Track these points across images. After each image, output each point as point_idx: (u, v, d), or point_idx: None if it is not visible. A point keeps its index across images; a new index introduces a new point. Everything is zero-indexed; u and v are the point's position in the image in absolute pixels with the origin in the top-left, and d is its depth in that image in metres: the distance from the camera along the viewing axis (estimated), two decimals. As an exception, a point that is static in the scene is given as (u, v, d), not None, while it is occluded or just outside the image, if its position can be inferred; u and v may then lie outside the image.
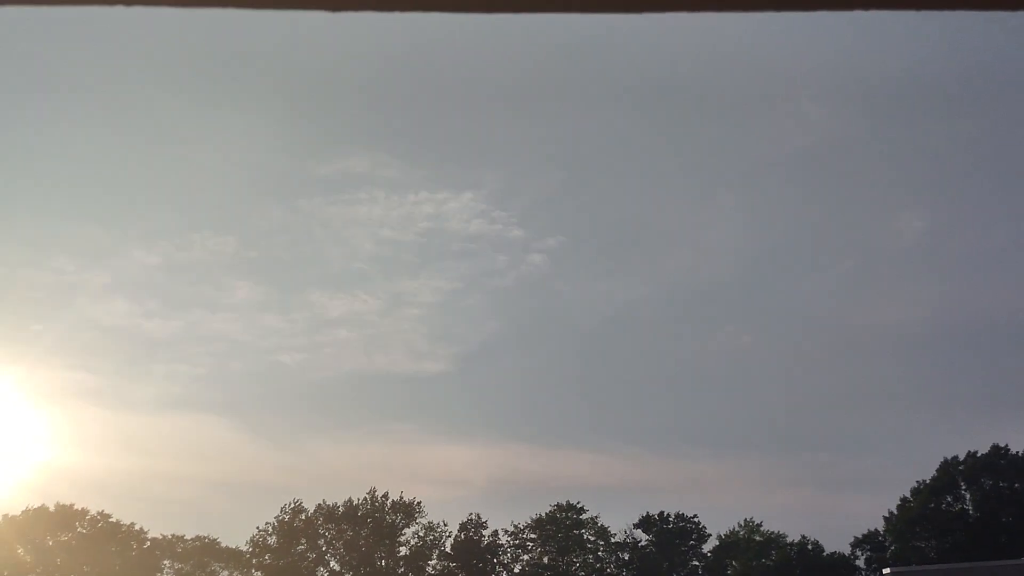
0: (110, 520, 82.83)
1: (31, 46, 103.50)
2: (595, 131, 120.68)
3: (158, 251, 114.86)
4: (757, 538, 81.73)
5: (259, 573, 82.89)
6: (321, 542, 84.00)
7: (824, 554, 78.86)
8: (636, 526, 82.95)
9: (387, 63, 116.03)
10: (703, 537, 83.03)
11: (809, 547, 79.19)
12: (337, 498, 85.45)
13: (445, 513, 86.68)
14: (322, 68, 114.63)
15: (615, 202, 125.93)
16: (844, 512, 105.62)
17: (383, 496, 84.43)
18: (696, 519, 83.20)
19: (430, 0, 1.39)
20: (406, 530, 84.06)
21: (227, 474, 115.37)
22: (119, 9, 1.41)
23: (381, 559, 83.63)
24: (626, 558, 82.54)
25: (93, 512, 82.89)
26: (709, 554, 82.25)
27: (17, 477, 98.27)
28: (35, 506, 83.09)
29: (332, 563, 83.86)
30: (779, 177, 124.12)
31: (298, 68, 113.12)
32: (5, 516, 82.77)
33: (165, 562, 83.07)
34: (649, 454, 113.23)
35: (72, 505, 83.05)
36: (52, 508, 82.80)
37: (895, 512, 77.26)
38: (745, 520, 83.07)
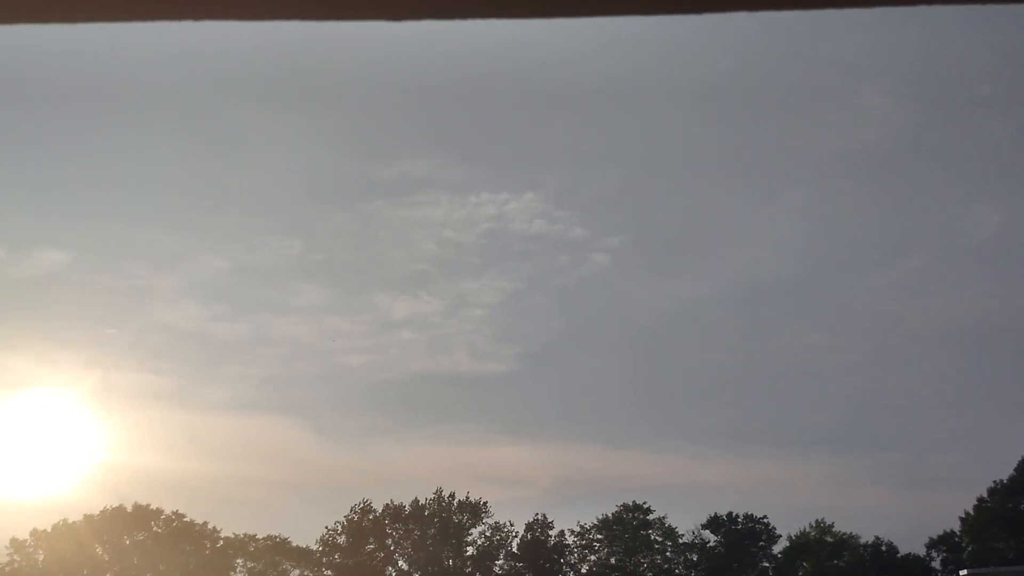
0: (184, 519, 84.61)
1: (107, 59, 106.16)
2: (657, 129, 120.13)
3: (227, 255, 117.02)
4: (829, 539, 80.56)
5: (329, 572, 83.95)
6: (389, 542, 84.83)
7: (899, 556, 77.49)
8: (704, 527, 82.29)
9: (446, 67, 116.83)
10: (773, 538, 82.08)
11: (883, 548, 77.84)
12: (403, 498, 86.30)
13: (510, 513, 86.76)
14: (383, 74, 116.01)
15: (677, 200, 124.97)
16: (919, 512, 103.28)
17: (449, 496, 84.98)
18: (765, 520, 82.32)
19: (486, 8, 1.42)
20: (473, 530, 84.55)
21: (295, 474, 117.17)
22: (186, 22, 1.45)
23: (448, 559, 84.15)
24: (694, 559, 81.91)
25: (168, 512, 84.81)
26: (779, 555, 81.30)
27: (94, 478, 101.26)
28: (112, 506, 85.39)
29: (400, 563, 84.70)
30: (846, 172, 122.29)
31: (359, 74, 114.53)
32: (84, 516, 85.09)
33: (238, 561, 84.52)
34: (715, 454, 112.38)
35: (148, 505, 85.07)
36: (129, 508, 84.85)
37: (972, 512, 75.60)
38: (816, 521, 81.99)
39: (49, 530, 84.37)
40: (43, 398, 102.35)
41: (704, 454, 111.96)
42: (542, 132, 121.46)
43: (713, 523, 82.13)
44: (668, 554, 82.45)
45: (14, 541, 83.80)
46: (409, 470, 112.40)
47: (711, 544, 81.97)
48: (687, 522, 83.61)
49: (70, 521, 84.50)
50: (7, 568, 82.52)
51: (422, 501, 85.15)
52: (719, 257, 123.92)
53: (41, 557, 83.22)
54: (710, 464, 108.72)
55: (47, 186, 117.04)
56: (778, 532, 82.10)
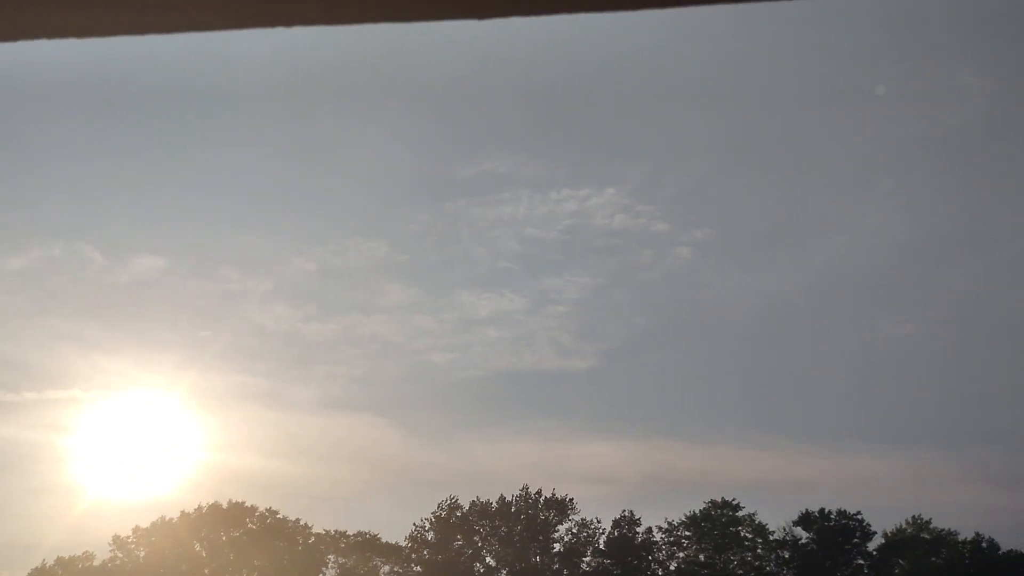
0: (277, 516, 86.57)
1: (197, 69, 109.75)
2: (739, 120, 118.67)
3: (315, 258, 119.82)
4: (926, 536, 78.42)
5: (418, 568, 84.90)
6: (476, 538, 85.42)
7: (1000, 552, 74.96)
8: (795, 523, 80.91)
9: (525, 64, 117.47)
10: (867, 535, 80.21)
11: (984, 545, 75.46)
12: (489, 495, 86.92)
13: (596, 510, 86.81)
14: (463, 73, 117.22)
15: (762, 191, 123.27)
16: (1022, 508, 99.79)
17: (536, 493, 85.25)
18: (859, 516, 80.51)
19: (572, 3, 1.46)
20: (559, 527, 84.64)
21: (383, 471, 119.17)
22: (274, 28, 1.53)
23: (535, 556, 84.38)
24: (786, 556, 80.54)
25: (262, 509, 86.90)
26: (875, 552, 79.42)
27: (191, 476, 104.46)
28: (208, 503, 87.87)
29: (488, 559, 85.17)
30: (939, 157, 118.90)
31: (440, 74, 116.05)
32: (182, 513, 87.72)
33: (329, 557, 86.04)
34: (805, 449, 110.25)
35: (243, 502, 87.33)
36: (224, 505, 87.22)
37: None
38: (913, 517, 79.94)
39: (149, 527, 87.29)
40: (143, 399, 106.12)
41: (794, 450, 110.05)
42: (623, 127, 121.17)
43: (805, 520, 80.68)
44: (759, 551, 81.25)
45: (116, 538, 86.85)
46: (495, 467, 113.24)
47: (803, 541, 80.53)
48: (777, 519, 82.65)
49: (168, 518, 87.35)
50: (110, 564, 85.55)
51: (508, 498, 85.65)
52: (807, 248, 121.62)
53: (142, 554, 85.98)
54: (800, 460, 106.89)
55: (143, 194, 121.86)
56: (873, 529, 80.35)
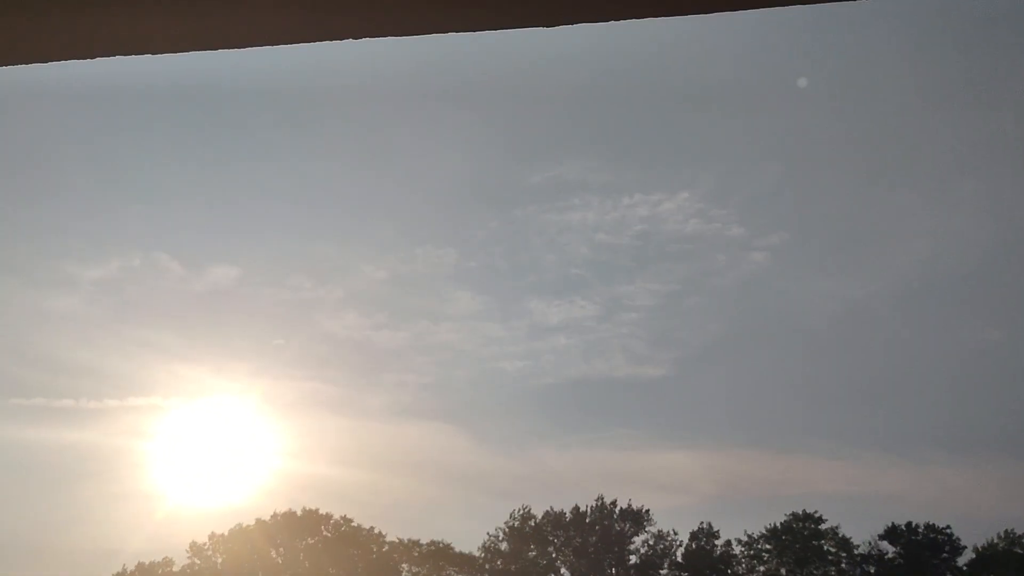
0: (352, 524, 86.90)
1: (269, 81, 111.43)
2: (815, 120, 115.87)
3: (385, 266, 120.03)
4: (1019, 551, 75.39)
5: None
6: (550, 549, 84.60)
7: (1102, 570, 71.73)
8: (881, 537, 78.53)
9: (593, 69, 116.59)
10: (957, 549, 77.46)
11: (1083, 562, 72.28)
12: (563, 504, 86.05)
13: (671, 521, 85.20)
14: (531, 79, 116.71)
15: (841, 194, 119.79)
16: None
17: (611, 503, 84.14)
18: (948, 530, 77.81)
19: (635, 9, 1.49)
20: (635, 538, 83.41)
21: (454, 479, 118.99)
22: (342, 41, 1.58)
23: (611, 567, 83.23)
24: (871, 571, 78.16)
25: (336, 516, 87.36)
26: (964, 568, 76.63)
27: (264, 482, 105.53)
28: (283, 510, 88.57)
29: (563, 570, 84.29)
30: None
31: (507, 81, 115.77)
32: (257, 520, 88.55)
33: (403, 565, 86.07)
34: (890, 461, 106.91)
35: (317, 510, 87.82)
36: (299, 513, 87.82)
37: None
38: (1005, 531, 76.91)
39: (226, 535, 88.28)
40: (219, 406, 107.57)
41: (878, 461, 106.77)
42: (695, 130, 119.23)
43: (891, 533, 78.24)
44: (843, 566, 79.03)
45: (193, 545, 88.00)
46: (567, 476, 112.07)
47: (889, 556, 78.09)
48: (862, 532, 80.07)
49: (245, 525, 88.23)
50: (188, 570, 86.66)
51: (582, 508, 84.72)
52: (887, 253, 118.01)
53: (220, 560, 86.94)
54: (884, 471, 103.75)
55: (217, 204, 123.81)
56: (963, 543, 77.51)
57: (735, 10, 1.54)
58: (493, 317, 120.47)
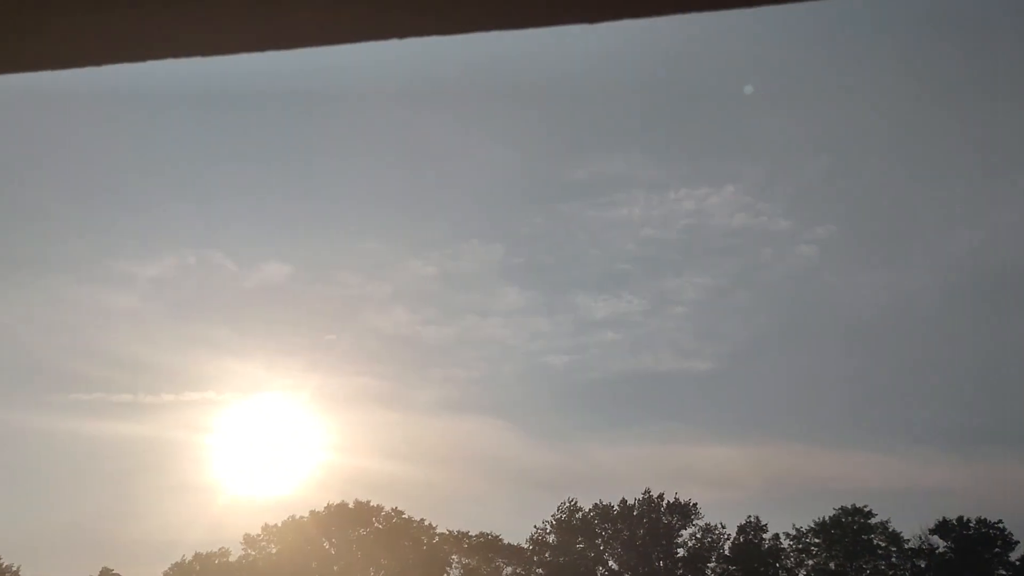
0: (403, 516, 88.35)
1: (315, 80, 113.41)
2: (863, 111, 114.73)
3: (433, 262, 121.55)
4: (1074, 547, 74.53)
5: (541, 570, 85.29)
6: (598, 541, 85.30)
7: None
8: (932, 532, 78.03)
9: (637, 64, 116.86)
10: (1009, 544, 76.75)
11: None
12: (610, 497, 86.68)
13: (718, 515, 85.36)
14: (575, 74, 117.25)
15: (890, 185, 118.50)
16: None
17: (658, 497, 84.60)
18: (1000, 524, 77.13)
19: (684, 3, 1.50)
20: (682, 532, 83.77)
21: (502, 473, 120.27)
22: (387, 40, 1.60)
23: (659, 560, 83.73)
24: (922, 566, 77.76)
25: (387, 509, 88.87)
26: (1017, 563, 75.90)
27: (316, 475, 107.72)
28: (335, 503, 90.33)
29: (610, 562, 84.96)
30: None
31: (551, 76, 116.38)
32: (310, 512, 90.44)
33: (453, 557, 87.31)
34: (940, 455, 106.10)
35: (369, 502, 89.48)
36: (351, 505, 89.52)
37: None
38: (1059, 527, 75.99)
39: (280, 526, 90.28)
40: (272, 401, 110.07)
41: (928, 455, 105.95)
42: (740, 123, 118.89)
43: (942, 528, 77.75)
44: (893, 560, 78.73)
45: (247, 537, 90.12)
46: (613, 469, 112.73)
47: (940, 550, 77.58)
48: (911, 526, 79.77)
49: (298, 517, 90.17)
50: (243, 561, 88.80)
51: (630, 501, 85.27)
52: (939, 244, 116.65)
53: (274, 551, 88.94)
54: (935, 465, 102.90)
55: (268, 203, 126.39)
56: (1015, 538, 76.78)
57: (762, 5, 1.59)
58: (540, 312, 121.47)
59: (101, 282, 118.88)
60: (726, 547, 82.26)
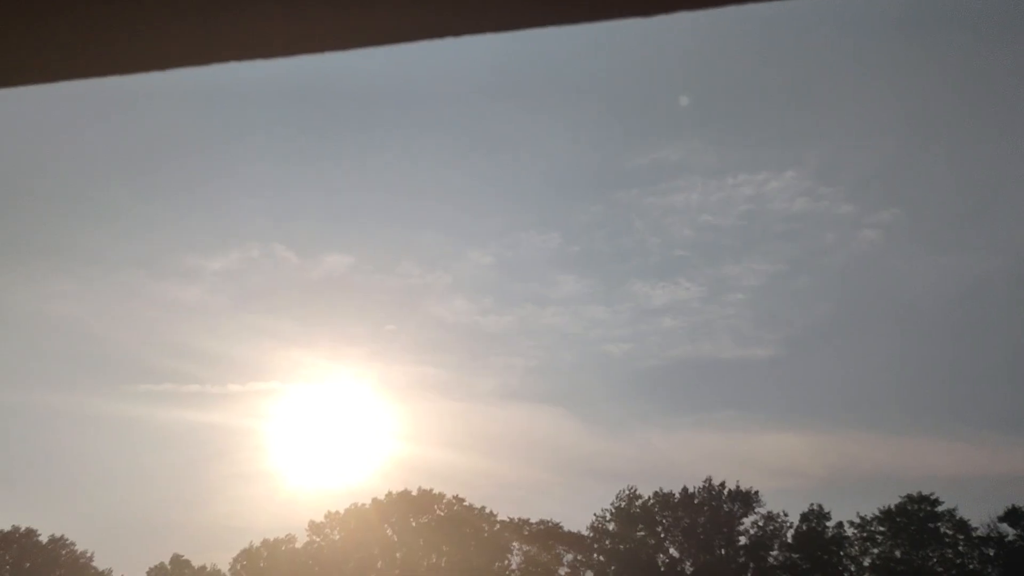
0: (464, 504, 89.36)
1: (376, 79, 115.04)
2: (929, 92, 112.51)
3: (491, 251, 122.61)
4: None
5: (601, 558, 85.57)
6: (659, 529, 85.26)
7: None
8: (1001, 519, 76.39)
9: (694, 51, 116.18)
10: (1083, 533, 74.85)
11: None
12: (670, 485, 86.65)
13: (780, 503, 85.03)
14: (631, 62, 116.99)
15: (956, 167, 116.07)
16: None
17: (719, 485, 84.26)
18: (1073, 513, 75.19)
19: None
20: (744, 520, 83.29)
21: (562, 461, 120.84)
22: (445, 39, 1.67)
23: (720, 548, 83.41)
24: (991, 554, 76.22)
25: (449, 496, 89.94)
26: (1091, 552, 74.00)
27: (378, 464, 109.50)
28: (398, 490, 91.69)
29: (671, 550, 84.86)
30: None
31: (607, 64, 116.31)
32: (373, 500, 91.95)
33: (514, 544, 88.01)
34: (1010, 442, 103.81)
35: (431, 490, 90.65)
36: (413, 492, 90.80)
37: None
38: None
39: (343, 513, 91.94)
40: (335, 390, 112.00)
41: (997, 442, 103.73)
42: (801, 106, 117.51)
43: (1012, 515, 76.09)
44: (960, 548, 77.27)
45: (311, 524, 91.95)
46: (673, 457, 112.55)
47: (1010, 538, 75.97)
48: (980, 515, 78.27)
49: (360, 504, 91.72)
50: (310, 547, 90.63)
51: (691, 489, 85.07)
52: (1007, 228, 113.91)
53: (338, 537, 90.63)
54: (1005, 453, 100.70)
55: (329, 195, 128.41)
56: (1089, 527, 74.78)
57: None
58: (597, 300, 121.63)
59: (169, 276, 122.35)
60: (789, 535, 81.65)
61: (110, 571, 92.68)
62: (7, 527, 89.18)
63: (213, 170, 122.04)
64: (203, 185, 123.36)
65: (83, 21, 1.51)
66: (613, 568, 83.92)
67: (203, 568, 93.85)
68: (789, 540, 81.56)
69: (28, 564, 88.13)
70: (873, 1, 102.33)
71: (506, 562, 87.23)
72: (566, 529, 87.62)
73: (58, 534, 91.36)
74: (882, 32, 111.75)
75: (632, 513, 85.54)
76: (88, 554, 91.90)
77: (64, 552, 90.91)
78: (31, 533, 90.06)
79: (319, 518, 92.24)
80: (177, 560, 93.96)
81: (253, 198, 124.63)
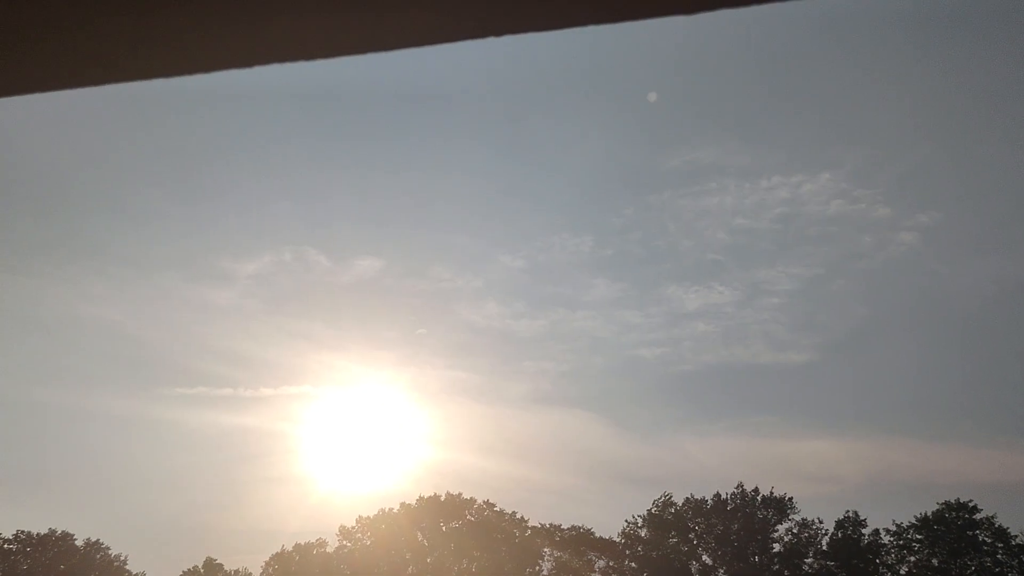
0: (495, 509, 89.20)
1: (407, 81, 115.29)
2: (968, 92, 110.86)
3: (522, 255, 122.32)
4: None
5: (633, 564, 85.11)
6: (692, 536, 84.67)
7: None
8: (1041, 528, 75.16)
9: (728, 51, 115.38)
10: None
11: None
12: (703, 491, 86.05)
13: (815, 510, 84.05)
14: (664, 63, 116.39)
15: (997, 168, 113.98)
16: None
17: (753, 491, 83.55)
18: (1117, 522, 73.84)
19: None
20: (778, 527, 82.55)
21: (594, 466, 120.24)
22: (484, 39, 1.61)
23: (754, 555, 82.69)
24: (1031, 563, 75.02)
25: (480, 501, 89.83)
26: None
27: (409, 469, 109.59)
28: (428, 495, 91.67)
29: (704, 557, 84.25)
30: None
31: (640, 65, 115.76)
32: (402, 504, 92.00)
33: (545, 549, 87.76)
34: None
35: (461, 494, 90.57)
36: (443, 497, 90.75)
37: None
38: None
39: (373, 517, 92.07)
40: (366, 394, 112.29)
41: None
42: (836, 108, 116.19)
43: (1053, 524, 74.89)
44: (999, 557, 76.09)
45: (342, 528, 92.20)
46: (707, 463, 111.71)
47: (1051, 547, 74.75)
48: (1020, 522, 77.03)
49: (390, 509, 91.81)
50: (341, 552, 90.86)
51: (724, 495, 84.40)
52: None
53: (369, 542, 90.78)
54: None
55: (360, 199, 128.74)
56: None
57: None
58: (630, 304, 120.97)
59: (202, 279, 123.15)
60: (824, 542, 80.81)
61: (143, 575, 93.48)
62: (44, 530, 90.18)
63: (247, 174, 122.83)
64: (237, 189, 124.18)
65: (127, 26, 1.52)
66: (645, 575, 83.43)
67: (236, 572, 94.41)
68: (824, 548, 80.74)
69: (63, 566, 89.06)
70: (912, 2, 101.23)
71: (537, 568, 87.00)
72: (597, 535, 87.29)
73: (93, 538, 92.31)
74: (921, 33, 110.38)
75: (665, 520, 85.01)
76: (122, 557, 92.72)
77: (99, 556, 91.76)
78: (67, 537, 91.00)
79: (350, 522, 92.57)
80: (210, 564, 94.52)
81: (286, 202, 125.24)
